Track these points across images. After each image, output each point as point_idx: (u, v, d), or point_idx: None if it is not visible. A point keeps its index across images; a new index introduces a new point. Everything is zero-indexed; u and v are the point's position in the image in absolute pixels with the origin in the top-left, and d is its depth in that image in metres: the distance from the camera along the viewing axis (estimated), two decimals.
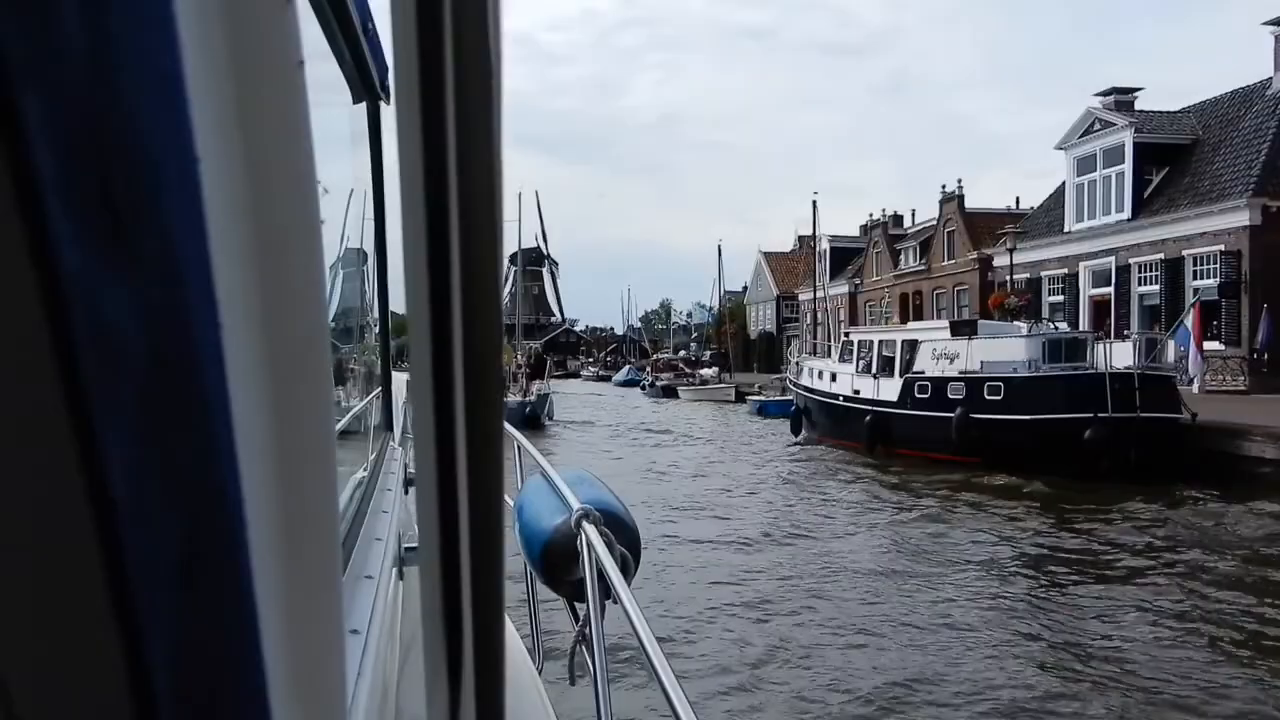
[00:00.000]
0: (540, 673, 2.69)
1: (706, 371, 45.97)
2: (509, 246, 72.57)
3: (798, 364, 25.19)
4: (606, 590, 1.71)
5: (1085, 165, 34.43)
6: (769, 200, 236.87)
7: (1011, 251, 25.76)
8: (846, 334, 22.99)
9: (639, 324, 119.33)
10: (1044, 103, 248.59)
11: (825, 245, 59.83)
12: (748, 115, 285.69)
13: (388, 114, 2.42)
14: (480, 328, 0.48)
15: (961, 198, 44.02)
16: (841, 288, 56.96)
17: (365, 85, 2.31)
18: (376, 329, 2.80)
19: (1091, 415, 15.62)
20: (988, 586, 10.06)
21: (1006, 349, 17.63)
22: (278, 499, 0.47)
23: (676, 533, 12.58)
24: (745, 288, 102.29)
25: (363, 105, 2.44)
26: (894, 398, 19.63)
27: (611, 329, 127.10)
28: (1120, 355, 16.52)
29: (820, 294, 37.63)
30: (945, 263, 44.73)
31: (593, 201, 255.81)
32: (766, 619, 8.76)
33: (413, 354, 0.49)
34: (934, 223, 47.75)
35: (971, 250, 42.46)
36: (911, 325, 20.74)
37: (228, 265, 0.42)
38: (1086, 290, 34.30)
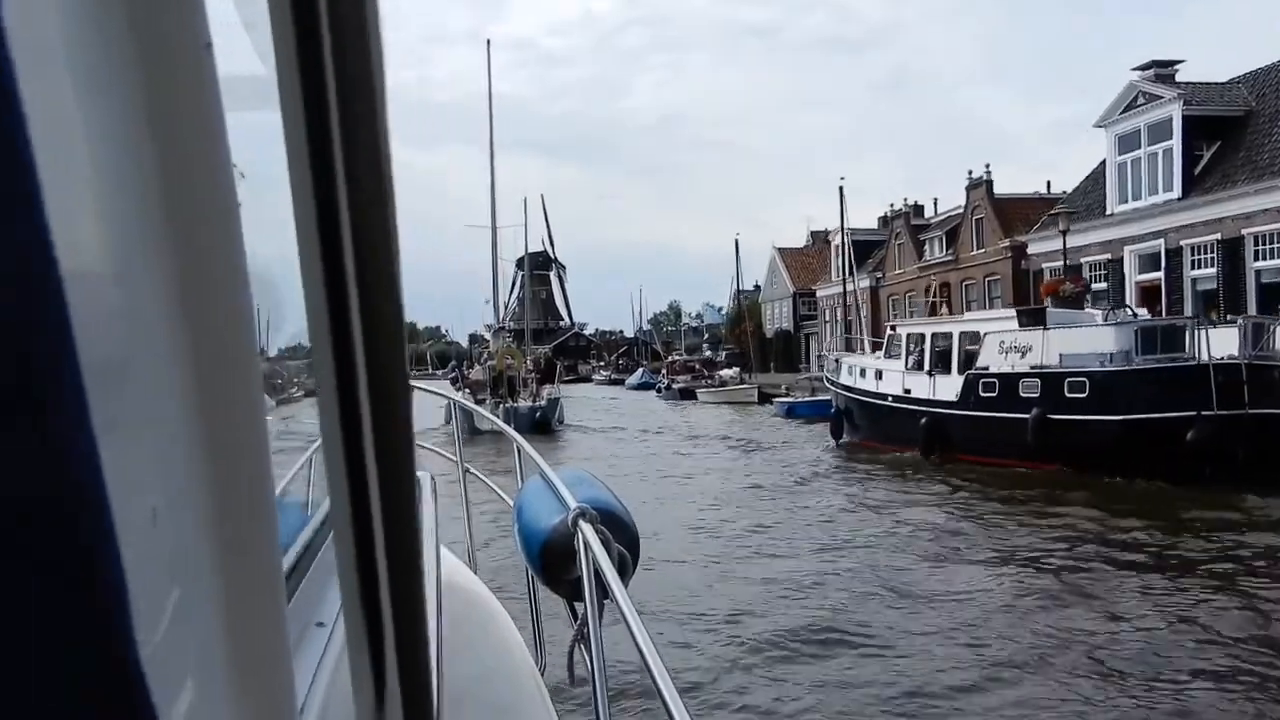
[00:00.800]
0: (543, 673, 2.70)
1: (726, 372, 43.91)
2: (516, 251, 71.59)
3: (836, 361, 23.10)
4: (604, 590, 1.62)
5: (1128, 143, 32.34)
6: (773, 200, 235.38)
7: (1065, 234, 23.70)
8: (892, 326, 20.84)
9: (649, 326, 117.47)
10: (1047, 97, 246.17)
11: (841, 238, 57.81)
12: (750, 115, 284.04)
13: None
14: (380, 321, 0.48)
15: (990, 183, 41.97)
16: (862, 282, 54.86)
17: None
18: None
19: (1194, 413, 13.61)
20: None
21: (1090, 339, 15.61)
22: (201, 500, 0.47)
23: (729, 595, 9.53)
24: (757, 286, 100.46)
25: None
26: (953, 397, 17.64)
27: (620, 332, 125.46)
28: (1221, 343, 14.43)
29: (851, 286, 35.47)
30: (974, 252, 42.66)
31: (596, 204, 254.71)
32: None
33: (313, 336, 0.48)
34: (960, 211, 45.65)
35: (1003, 238, 40.38)
36: (970, 316, 18.64)
37: (125, 250, 0.41)
38: (1133, 276, 32.21)
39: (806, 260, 67.85)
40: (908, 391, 19.11)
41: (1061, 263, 35.60)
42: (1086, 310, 18.28)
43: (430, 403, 5.97)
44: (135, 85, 0.43)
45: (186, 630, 0.48)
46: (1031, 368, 15.95)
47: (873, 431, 20.70)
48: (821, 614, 8.51)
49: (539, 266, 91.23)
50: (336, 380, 0.47)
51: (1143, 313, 18.59)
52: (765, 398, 40.08)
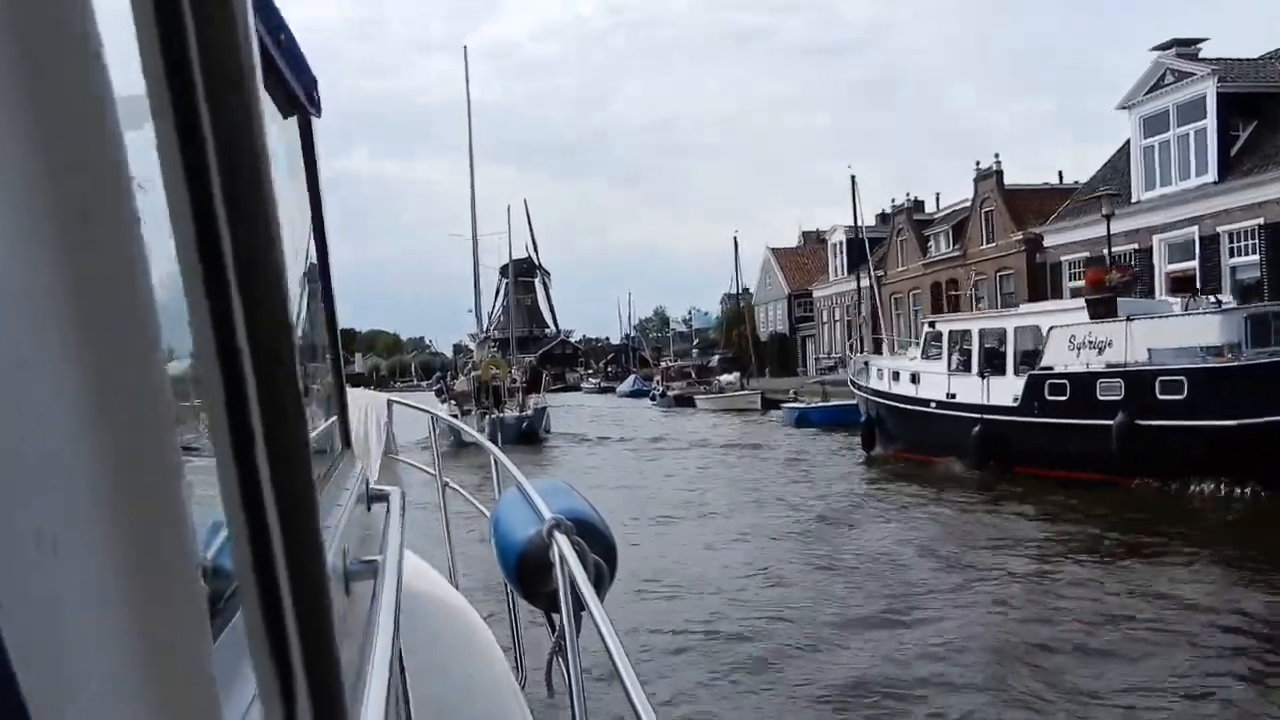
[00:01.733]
0: (523, 686, 2.74)
1: (725, 378, 41.65)
2: (501, 259, 69.86)
3: (865, 364, 20.83)
4: (581, 601, 1.61)
5: (1155, 125, 30.33)
6: (760, 204, 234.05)
7: (1109, 218, 21.53)
8: (930, 323, 18.60)
9: (635, 332, 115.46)
10: (1031, 97, 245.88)
11: (841, 236, 55.84)
12: (736, 119, 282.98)
13: (319, 128, 2.42)
14: (265, 317, 0.47)
15: (1000, 174, 39.94)
16: (863, 281, 52.82)
17: (289, 99, 2.22)
18: (326, 346, 2.63)
19: None
20: None
21: (1189, 331, 13.33)
22: (106, 521, 0.46)
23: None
24: (747, 290, 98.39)
25: (293, 120, 2.33)
26: (1010, 401, 15.44)
27: (607, 339, 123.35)
28: None
29: (866, 281, 33.16)
30: (984, 246, 40.63)
31: (581, 211, 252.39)
32: None
33: (196, 342, 0.46)
34: (967, 204, 43.62)
35: (1015, 230, 38.33)
36: (1029, 308, 16.37)
37: (13, 264, 0.40)
38: (1163, 266, 30.20)
39: (801, 260, 65.78)
40: (952, 396, 16.90)
41: (1084, 254, 33.64)
42: (1162, 299, 16.08)
43: (414, 416, 5.58)
44: (23, 93, 0.42)
45: (93, 657, 0.46)
46: (1108, 366, 13.74)
47: (912, 442, 18.40)
48: None
49: (523, 273, 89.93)
50: (225, 393, 0.46)
51: (1227, 299, 16.34)
52: (769, 404, 37.86)
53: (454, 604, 3.08)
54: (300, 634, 0.49)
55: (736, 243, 47.18)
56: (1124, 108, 31.48)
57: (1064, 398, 14.16)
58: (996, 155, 39.74)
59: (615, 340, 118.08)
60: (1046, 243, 36.11)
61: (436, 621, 2.83)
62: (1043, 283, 36.85)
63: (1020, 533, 11.95)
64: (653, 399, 52.02)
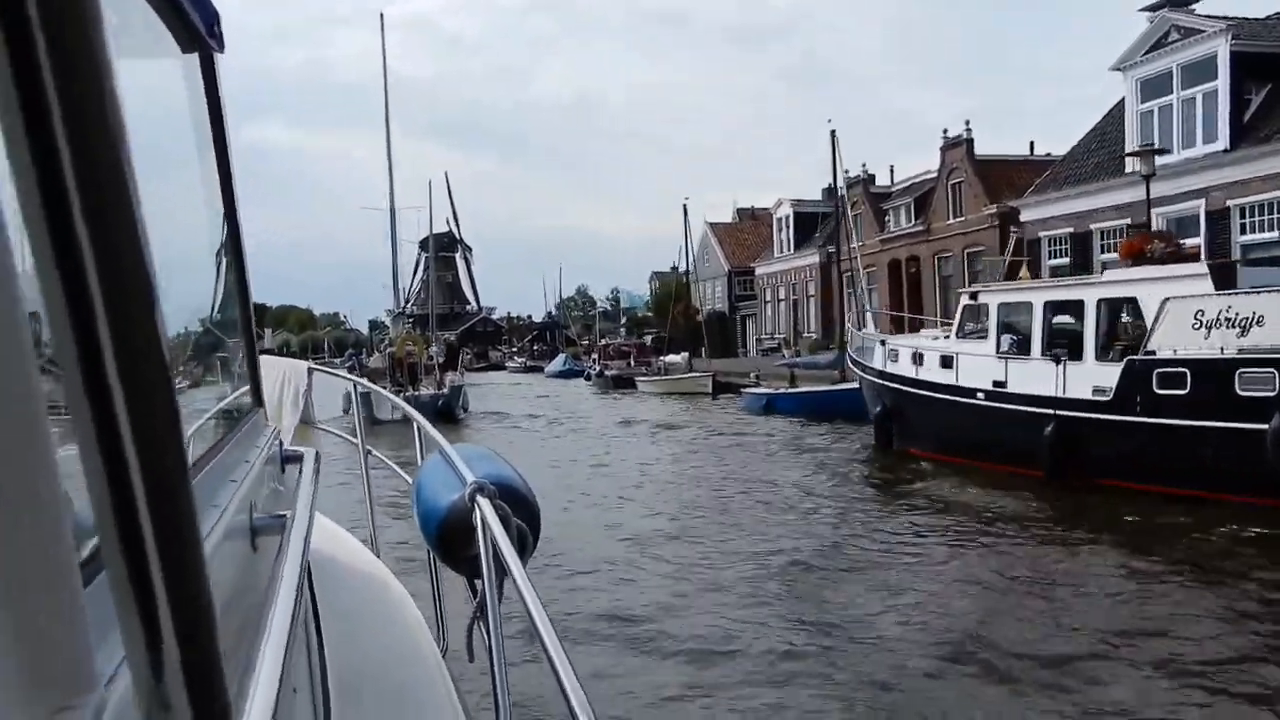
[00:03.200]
0: (445, 653, 2.66)
1: (672, 358, 38.12)
2: (420, 232, 66.38)
3: (882, 343, 17.26)
4: (503, 567, 1.58)
5: (1155, 88, 27.69)
6: (687, 190, 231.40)
7: (1149, 179, 18.45)
8: (972, 294, 15.17)
9: (555, 311, 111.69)
10: (958, 87, 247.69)
11: (787, 210, 52.81)
12: (660, 104, 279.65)
13: (223, 65, 2.29)
14: (129, 303, 0.46)
15: (971, 142, 37.09)
16: (810, 258, 49.92)
17: (189, 33, 2.01)
18: (236, 307, 2.50)
19: None
20: None
21: None
22: None
23: None
24: (674, 268, 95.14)
25: (194, 55, 2.14)
26: (1091, 393, 12.19)
27: (529, 317, 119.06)
28: None
29: (851, 247, 29.64)
30: (950, 221, 37.90)
31: (505, 192, 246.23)
32: None
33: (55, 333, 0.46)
34: (930, 176, 40.79)
35: (988, 203, 35.58)
36: (1119, 274, 12.93)
37: None
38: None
39: (740, 236, 62.61)
40: (1000, 384, 13.61)
41: (1068, 230, 30.97)
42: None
43: (330, 391, 5.61)
44: None
45: None
46: (1241, 351, 10.45)
47: (946, 440, 14.98)
48: None
49: (444, 248, 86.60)
50: (82, 375, 0.45)
51: None
52: (721, 388, 34.47)
53: (374, 572, 3.10)
54: (165, 572, 0.48)
55: (686, 210, 43.67)
56: (1118, 69, 28.79)
57: (1183, 392, 10.92)
58: (967, 122, 36.91)
59: (538, 319, 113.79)
60: (1024, 217, 33.43)
61: (356, 589, 2.85)
62: (1017, 261, 34.15)
63: (1157, 588, 8.38)
64: (587, 379, 48.23)
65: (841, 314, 34.81)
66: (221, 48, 2.27)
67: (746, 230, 62.53)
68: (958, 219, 37.49)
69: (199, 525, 0.53)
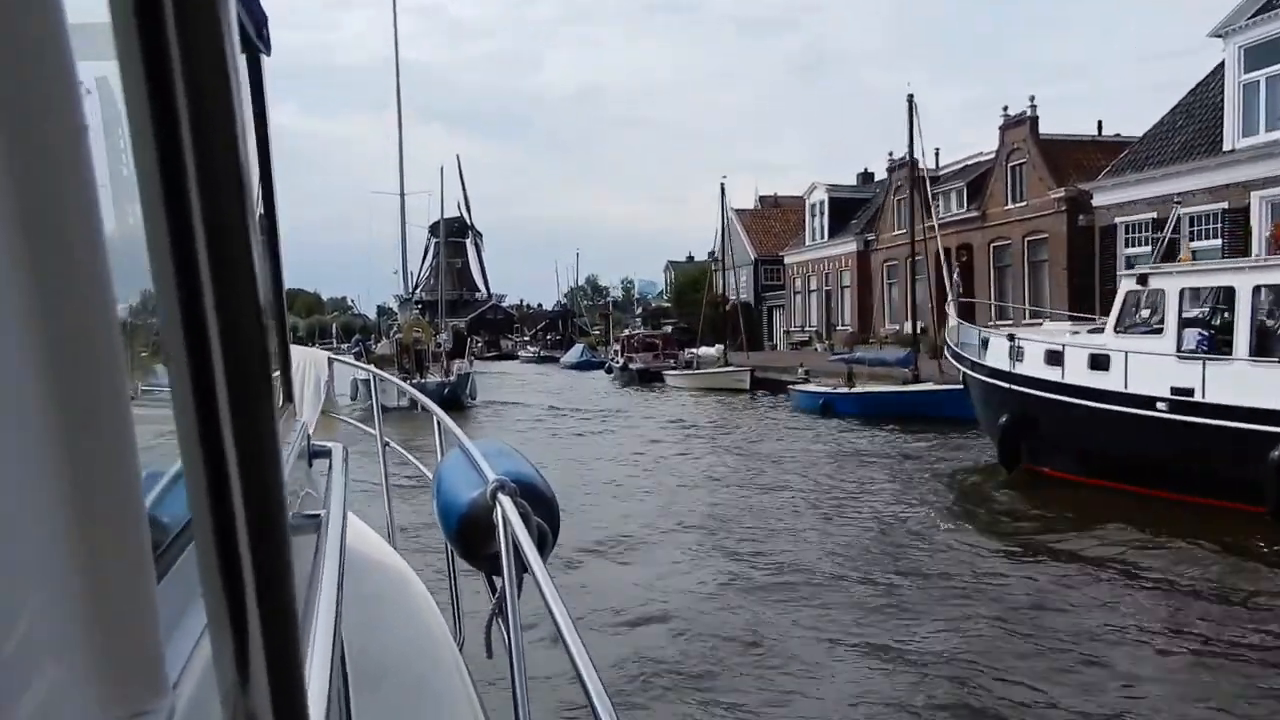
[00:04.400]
0: (461, 648, 2.65)
1: (705, 350, 35.13)
2: (430, 216, 65.09)
3: (982, 340, 14.26)
4: (523, 564, 1.59)
5: (1262, 56, 24.66)
6: (697, 179, 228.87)
7: None
8: (1140, 278, 12.05)
9: (565, 300, 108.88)
10: (958, 80, 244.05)
11: (821, 195, 49.79)
12: (669, 92, 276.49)
13: (269, 67, 2.34)
14: (236, 305, 0.47)
15: (1035, 120, 34.03)
16: (847, 246, 46.90)
17: (241, 35, 1.99)
18: (271, 301, 2.39)
19: None
20: None
21: None
22: (62, 488, 0.47)
23: None
24: (690, 258, 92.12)
25: (242, 57, 2.11)
26: None
27: (540, 305, 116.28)
28: None
29: (931, 224, 26.39)
30: (1009, 206, 34.91)
31: (513, 179, 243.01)
32: None
33: (164, 330, 0.47)
34: (987, 157, 37.77)
35: (1055, 187, 32.57)
36: None
37: None
38: (1263, 229, 24.63)
39: (767, 224, 59.51)
40: (1183, 393, 10.57)
41: (1150, 215, 27.99)
42: None
43: (338, 378, 5.20)
44: None
45: (37, 592, 0.48)
46: None
47: (1103, 461, 11.94)
48: None
49: (454, 233, 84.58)
50: (189, 363, 0.46)
51: None
52: (759, 384, 31.56)
53: (392, 564, 3.09)
54: (256, 572, 0.49)
55: (724, 189, 40.30)
56: (1218, 35, 25.80)
57: None
58: (1032, 98, 33.83)
59: (548, 308, 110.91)
60: (1098, 201, 30.42)
61: (374, 581, 2.84)
62: (1089, 250, 31.25)
63: None
64: (608, 371, 45.31)
65: (911, 304, 31.77)
66: (269, 50, 2.30)
67: (773, 217, 59.46)
68: (1018, 204, 34.51)
69: (289, 536, 0.52)
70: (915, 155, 26.18)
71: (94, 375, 0.48)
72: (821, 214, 49.59)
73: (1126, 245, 28.92)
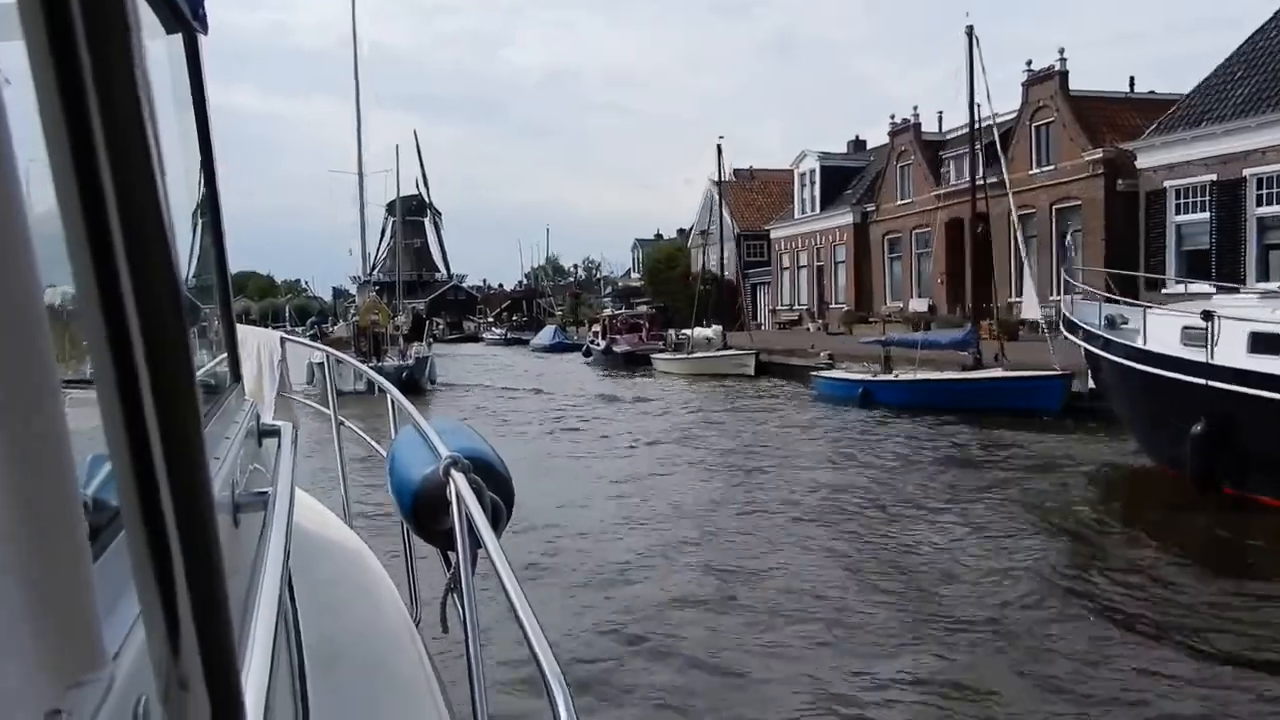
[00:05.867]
0: (418, 624, 2.68)
1: (702, 331, 31.54)
2: (390, 196, 62.69)
3: (1111, 318, 10.89)
4: (477, 540, 1.61)
5: None
6: (669, 165, 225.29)
7: None
8: None
9: (526, 280, 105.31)
10: (929, 63, 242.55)
11: (812, 164, 46.42)
12: (639, 76, 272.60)
13: (207, 46, 2.30)
14: (152, 279, 0.47)
15: (1065, 75, 30.85)
16: (842, 218, 43.61)
17: (174, 13, 2.07)
18: (216, 281, 2.58)
19: None
20: None
21: None
22: None
23: None
24: (659, 235, 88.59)
25: (178, 36, 2.18)
26: None
27: (501, 286, 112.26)
28: None
29: (1005, 175, 22.62)
30: (1035, 170, 31.76)
31: (480, 163, 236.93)
32: None
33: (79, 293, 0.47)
34: (1010, 118, 34.47)
35: (1090, 148, 29.41)
36: None
37: None
38: None
39: (749, 196, 56.03)
40: None
41: (1209, 177, 24.92)
42: None
43: (294, 360, 5.27)
44: None
45: None
46: None
47: None
48: None
49: (412, 212, 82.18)
50: (109, 346, 0.47)
51: None
52: (763, 369, 28.16)
53: (347, 543, 3.11)
54: (185, 555, 0.50)
55: (720, 150, 36.44)
56: None
57: None
58: (1061, 51, 30.63)
59: (510, 288, 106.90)
60: (1142, 163, 27.30)
61: (329, 560, 2.86)
62: (1128, 216, 28.18)
63: None
64: (586, 355, 41.70)
65: (948, 277, 28.29)
66: (205, 29, 2.27)
67: (755, 190, 56.03)
68: (1044, 168, 31.36)
69: (214, 502, 0.53)
70: (977, 98, 22.68)
71: (23, 360, 0.49)
72: (812, 184, 46.28)
73: (1177, 212, 25.89)
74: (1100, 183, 28.87)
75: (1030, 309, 17.89)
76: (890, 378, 18.87)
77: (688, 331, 33.06)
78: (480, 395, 27.79)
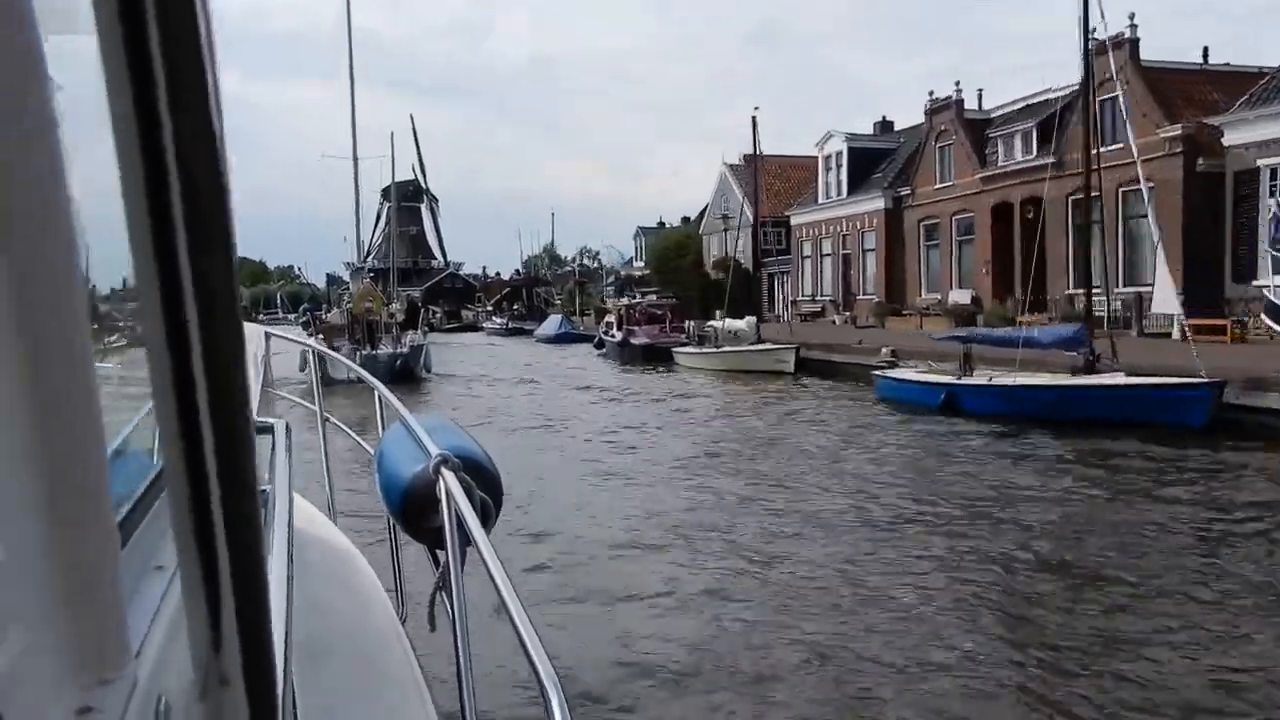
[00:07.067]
0: (405, 621, 2.66)
1: (734, 323, 28.60)
2: (384, 182, 61.54)
3: None
4: (466, 537, 1.60)
5: None
6: (656, 151, 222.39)
7: None
8: None
9: (522, 269, 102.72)
10: (913, 53, 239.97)
11: (839, 145, 43.64)
12: (625, 63, 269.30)
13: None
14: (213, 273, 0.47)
15: (1136, 44, 28.04)
16: (872, 203, 40.84)
17: None
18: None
19: None
20: None
21: None
22: (28, 451, 0.49)
23: None
24: (662, 223, 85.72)
25: None
26: None
27: (498, 274, 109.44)
28: None
29: (1130, 136, 19.80)
30: (1100, 150, 28.70)
31: (469, 149, 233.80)
32: None
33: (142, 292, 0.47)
34: (1062, 93, 31.68)
35: (1166, 124, 26.67)
36: None
37: None
38: None
39: (766, 181, 53.05)
40: None
41: None
42: None
43: (282, 350, 4.97)
44: None
45: (11, 575, 0.51)
46: None
47: None
48: None
49: (408, 198, 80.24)
50: (165, 325, 0.47)
51: None
52: (802, 366, 25.37)
53: (334, 540, 3.09)
54: (230, 554, 0.50)
55: (755, 122, 33.69)
56: None
57: None
58: (1131, 16, 27.78)
59: (506, 276, 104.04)
60: (1230, 140, 24.58)
61: (316, 557, 2.81)
62: (1209, 201, 25.49)
63: None
64: (598, 347, 38.86)
65: (994, 266, 25.48)
66: None
67: (773, 174, 53.15)
68: (1114, 146, 28.47)
69: (260, 508, 0.53)
70: (1092, 44, 19.87)
71: (63, 358, 0.49)
72: (838, 167, 43.50)
73: (1273, 195, 23.18)
74: (1178, 162, 26.17)
75: (1165, 301, 15.23)
76: (982, 381, 16.08)
77: (715, 323, 30.24)
78: (496, 394, 24.96)
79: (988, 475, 11.86)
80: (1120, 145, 28.32)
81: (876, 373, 19.69)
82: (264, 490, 1.69)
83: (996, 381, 15.88)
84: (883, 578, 7.83)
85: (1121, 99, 23.28)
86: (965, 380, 16.62)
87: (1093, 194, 18.80)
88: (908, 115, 43.82)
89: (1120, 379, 14.21)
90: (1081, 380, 14.70)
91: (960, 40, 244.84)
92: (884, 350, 20.82)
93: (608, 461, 13.81)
